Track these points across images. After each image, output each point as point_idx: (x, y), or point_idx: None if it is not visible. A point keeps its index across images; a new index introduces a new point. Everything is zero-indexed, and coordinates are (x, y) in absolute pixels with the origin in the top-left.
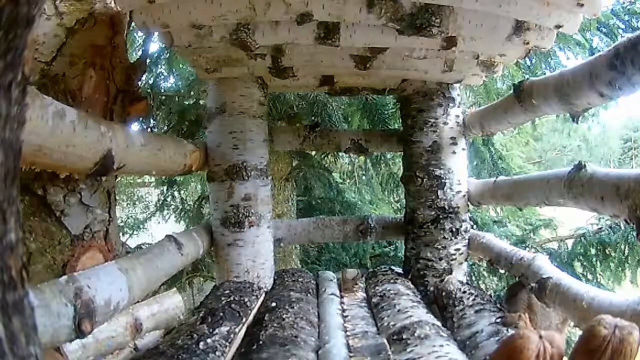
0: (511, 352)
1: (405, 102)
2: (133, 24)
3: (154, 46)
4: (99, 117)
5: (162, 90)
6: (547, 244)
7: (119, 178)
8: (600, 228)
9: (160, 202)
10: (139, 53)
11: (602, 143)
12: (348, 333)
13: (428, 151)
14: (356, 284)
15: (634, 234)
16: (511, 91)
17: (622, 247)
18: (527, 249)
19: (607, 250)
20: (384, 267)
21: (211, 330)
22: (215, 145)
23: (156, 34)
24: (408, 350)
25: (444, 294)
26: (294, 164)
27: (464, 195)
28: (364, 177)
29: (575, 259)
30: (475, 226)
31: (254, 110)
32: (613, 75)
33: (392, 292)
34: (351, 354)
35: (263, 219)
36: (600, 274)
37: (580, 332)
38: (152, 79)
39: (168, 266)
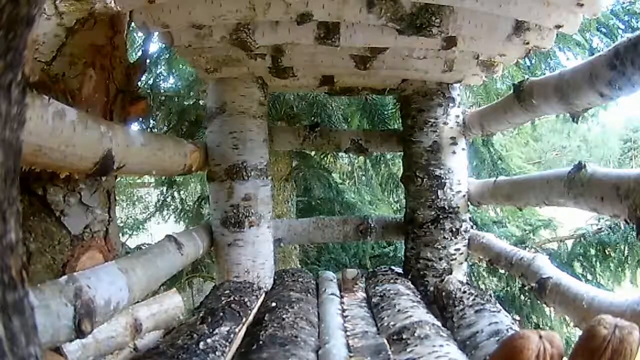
0: (511, 352)
1: (405, 102)
2: (133, 24)
3: (154, 46)
4: (99, 117)
5: (162, 90)
6: (547, 245)
7: (119, 178)
8: (600, 228)
9: (160, 203)
10: (139, 53)
11: (601, 143)
12: (348, 333)
13: (428, 151)
14: (356, 284)
15: (634, 234)
16: (511, 91)
17: (622, 247)
18: (527, 249)
19: (606, 251)
20: (384, 267)
21: (211, 330)
22: (215, 145)
23: (156, 34)
24: (408, 350)
25: (444, 294)
26: (294, 164)
27: (464, 195)
28: (363, 178)
29: (575, 260)
30: (475, 226)
31: (254, 110)
32: (613, 75)
33: (392, 292)
34: (351, 354)
35: (263, 219)
36: (600, 274)
37: (580, 332)
38: (152, 79)
39: (168, 266)
